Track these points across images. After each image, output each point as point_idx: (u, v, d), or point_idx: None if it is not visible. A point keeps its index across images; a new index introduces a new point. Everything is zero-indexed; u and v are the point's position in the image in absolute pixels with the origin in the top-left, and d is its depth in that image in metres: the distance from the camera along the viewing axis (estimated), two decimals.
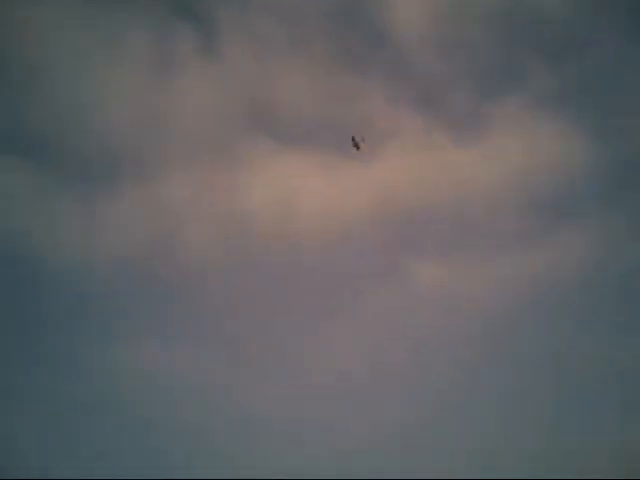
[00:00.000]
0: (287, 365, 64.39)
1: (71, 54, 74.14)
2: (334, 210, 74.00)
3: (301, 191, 74.55)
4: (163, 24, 76.95)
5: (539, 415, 59.19)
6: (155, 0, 78.04)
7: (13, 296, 64.86)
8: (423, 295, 69.98)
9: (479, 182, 75.51)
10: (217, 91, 77.43)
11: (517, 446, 56.54)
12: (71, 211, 71.01)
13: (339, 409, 60.85)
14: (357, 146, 62.69)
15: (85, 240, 69.60)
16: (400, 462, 56.03)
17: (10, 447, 53.90)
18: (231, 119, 77.06)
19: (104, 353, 62.15)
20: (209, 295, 69.11)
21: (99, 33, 74.77)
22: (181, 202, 73.27)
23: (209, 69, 77.81)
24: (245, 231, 72.57)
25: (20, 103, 72.09)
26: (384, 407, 61.22)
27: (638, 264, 66.56)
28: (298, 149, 75.84)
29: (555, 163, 75.13)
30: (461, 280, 70.63)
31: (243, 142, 76.35)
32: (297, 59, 79.24)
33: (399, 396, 61.99)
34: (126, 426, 58.97)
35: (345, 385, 62.59)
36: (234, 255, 71.45)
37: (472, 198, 75.07)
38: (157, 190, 72.94)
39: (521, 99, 78.26)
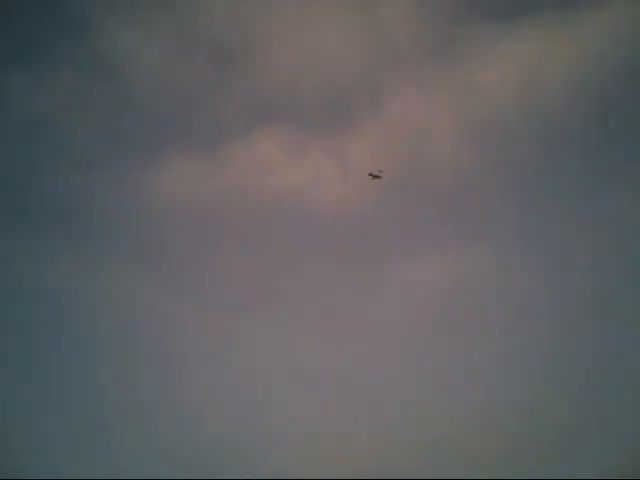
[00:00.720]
0: None
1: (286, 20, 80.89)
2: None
3: (548, 63, 74.30)
4: None
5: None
6: None
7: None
8: None
9: None
10: None
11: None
12: (323, 156, 75.78)
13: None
14: (377, 176, 63.50)
15: (342, 180, 74.07)
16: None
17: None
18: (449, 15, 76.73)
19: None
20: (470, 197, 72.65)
21: None
22: (422, 115, 74.38)
23: None
24: (490, 120, 72.42)
25: (259, 73, 78.39)
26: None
27: None
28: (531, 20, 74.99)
29: None
30: None
31: (467, 34, 76.58)
32: None
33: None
34: None
35: None
36: (486, 152, 72.24)
37: None
38: (394, 112, 75.55)
39: None
